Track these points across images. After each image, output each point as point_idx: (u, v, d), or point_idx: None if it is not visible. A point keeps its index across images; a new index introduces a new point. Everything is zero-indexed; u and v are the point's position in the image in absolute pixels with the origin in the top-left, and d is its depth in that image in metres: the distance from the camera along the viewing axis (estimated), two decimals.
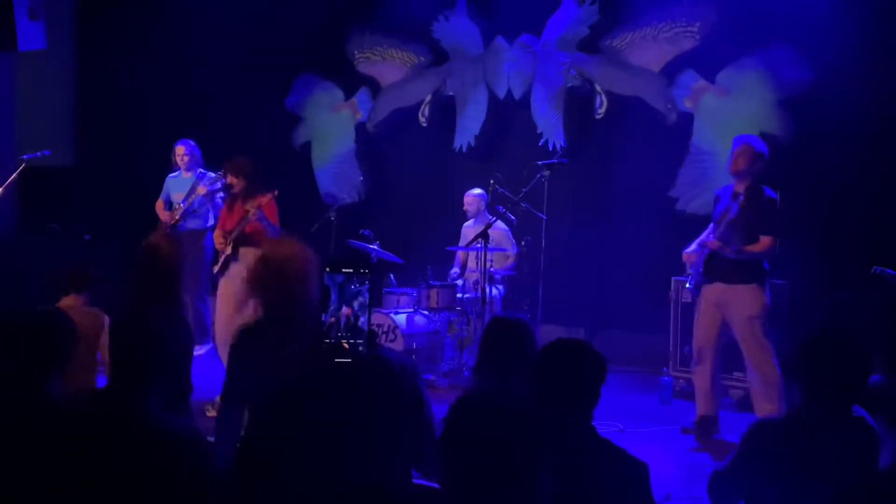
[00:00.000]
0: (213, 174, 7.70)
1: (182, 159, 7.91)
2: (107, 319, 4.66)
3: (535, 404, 2.64)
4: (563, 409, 2.63)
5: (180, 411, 3.37)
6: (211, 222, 7.81)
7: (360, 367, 2.60)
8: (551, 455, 2.47)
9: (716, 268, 5.67)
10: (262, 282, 3.08)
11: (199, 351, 7.38)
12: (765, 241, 5.58)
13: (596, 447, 2.64)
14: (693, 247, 5.87)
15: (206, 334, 7.66)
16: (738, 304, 5.60)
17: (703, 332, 5.79)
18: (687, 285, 5.99)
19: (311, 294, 2.90)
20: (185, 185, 7.86)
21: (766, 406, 5.59)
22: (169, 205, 7.97)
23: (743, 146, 5.65)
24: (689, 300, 6.86)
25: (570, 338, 2.91)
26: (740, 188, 5.67)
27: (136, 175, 9.13)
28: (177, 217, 7.74)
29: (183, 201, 7.74)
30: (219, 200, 7.70)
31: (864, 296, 6.31)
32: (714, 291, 5.71)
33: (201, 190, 7.69)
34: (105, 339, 4.61)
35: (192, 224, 7.78)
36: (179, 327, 3.68)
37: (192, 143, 7.97)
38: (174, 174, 8.01)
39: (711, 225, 5.92)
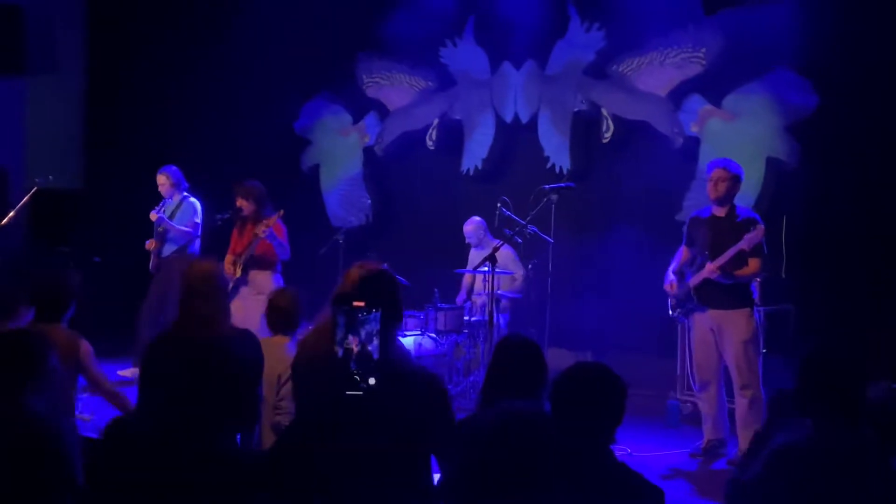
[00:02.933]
0: (186, 196, 7.66)
1: (161, 188, 7.77)
2: (83, 343, 4.36)
3: (553, 428, 2.66)
4: (583, 433, 2.64)
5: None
6: (191, 249, 7.64)
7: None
8: (569, 479, 2.48)
9: (709, 294, 5.67)
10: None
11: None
12: (753, 263, 5.59)
13: (614, 472, 2.64)
14: (671, 276, 5.88)
15: None
16: (733, 329, 5.61)
17: (705, 359, 5.80)
18: (670, 312, 5.98)
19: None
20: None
21: (746, 434, 5.59)
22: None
23: (721, 171, 5.68)
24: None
25: (590, 361, 2.91)
26: (721, 212, 5.71)
27: (145, 198, 9.19)
28: (154, 243, 7.61)
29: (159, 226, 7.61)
30: (179, 226, 7.56)
31: (871, 319, 6.34)
32: (709, 318, 5.72)
33: (152, 216, 7.58)
34: (86, 361, 4.35)
35: (168, 250, 7.63)
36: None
37: (170, 168, 7.82)
38: (169, 199, 7.85)
39: (682, 248, 5.92)
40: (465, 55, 8.88)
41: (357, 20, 9.08)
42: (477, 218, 7.76)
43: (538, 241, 7.01)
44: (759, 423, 5.59)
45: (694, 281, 5.72)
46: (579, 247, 7.93)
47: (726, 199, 5.68)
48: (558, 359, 5.83)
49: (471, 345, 7.31)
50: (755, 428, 5.55)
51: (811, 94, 6.91)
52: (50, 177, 7.88)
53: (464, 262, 7.96)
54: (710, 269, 5.60)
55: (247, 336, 3.87)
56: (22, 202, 7.92)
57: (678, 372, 6.92)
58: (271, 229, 6.70)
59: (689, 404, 6.76)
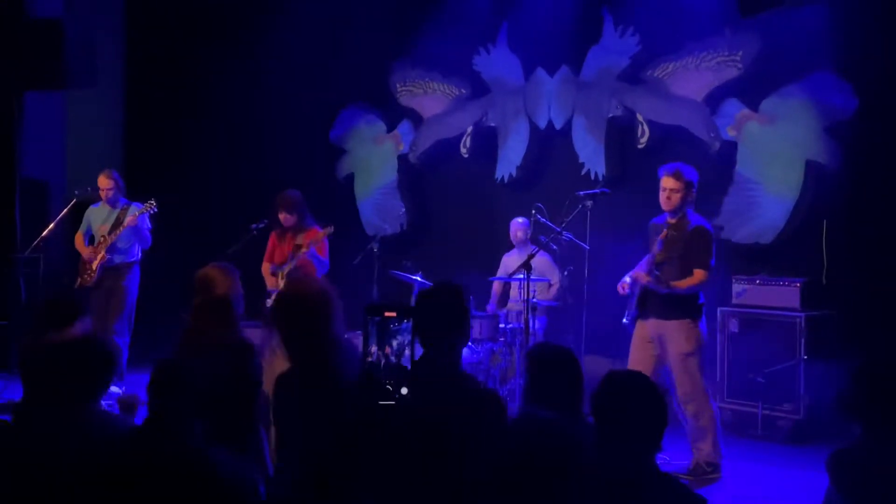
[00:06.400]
0: (140, 204, 7.45)
1: (107, 193, 7.57)
2: None
3: (595, 438, 2.64)
4: (626, 443, 2.61)
5: (242, 446, 3.34)
6: (137, 257, 7.57)
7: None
8: (613, 490, 2.46)
9: (650, 303, 5.53)
10: (281, 321, 3.09)
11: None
12: (698, 274, 5.45)
13: (657, 482, 2.61)
14: (625, 279, 5.75)
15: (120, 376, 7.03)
16: (673, 340, 5.46)
17: (637, 367, 5.43)
18: (624, 320, 5.80)
19: (335, 334, 2.90)
20: (107, 216, 7.55)
21: (699, 447, 5.48)
22: (90, 238, 7.62)
23: (673, 181, 5.53)
24: (736, 331, 6.81)
25: (624, 370, 2.88)
26: (673, 219, 5.58)
27: (183, 209, 9.29)
28: (101, 252, 7.40)
29: (109, 234, 7.42)
30: (146, 233, 7.48)
31: None
32: (648, 327, 5.57)
33: (130, 220, 7.31)
34: None
35: (118, 259, 7.46)
36: (231, 360, 3.64)
37: (116, 173, 7.71)
38: (95, 205, 7.71)
39: (647, 256, 5.80)
40: (498, 62, 8.86)
41: (390, 29, 9.11)
42: (522, 218, 7.69)
43: (574, 248, 6.96)
44: (711, 441, 5.44)
45: (637, 289, 5.58)
46: (616, 253, 7.86)
47: (680, 209, 5.55)
48: (596, 366, 5.79)
49: (507, 353, 7.28)
50: (707, 446, 5.43)
51: (851, 96, 6.79)
52: (89, 188, 7.95)
53: (497, 269, 7.92)
54: (639, 276, 5.47)
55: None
56: (62, 214, 8.02)
57: (717, 379, 6.83)
58: (314, 249, 6.71)
59: (727, 412, 6.68)
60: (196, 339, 3.75)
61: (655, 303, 5.52)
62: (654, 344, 5.58)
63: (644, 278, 5.44)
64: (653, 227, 5.79)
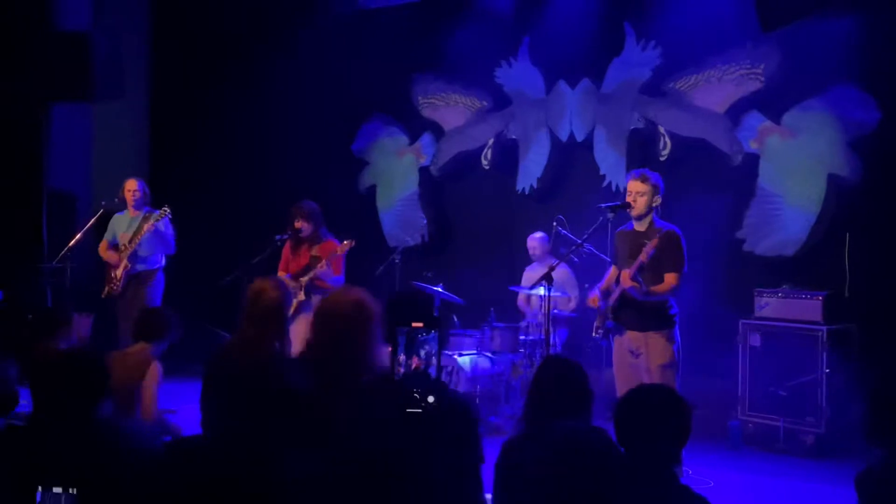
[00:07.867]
0: (157, 211, 7.52)
1: (134, 195, 7.66)
2: (157, 366, 4.79)
3: (616, 450, 2.66)
4: (647, 455, 2.63)
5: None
6: (160, 264, 7.66)
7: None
8: (633, 501, 2.48)
9: (627, 316, 5.45)
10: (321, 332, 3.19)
11: None
12: (669, 279, 5.37)
13: (677, 495, 2.63)
14: (595, 291, 5.68)
15: None
16: (652, 352, 5.36)
17: (626, 384, 5.30)
18: (593, 334, 5.72)
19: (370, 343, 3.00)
20: (130, 224, 7.63)
21: None
22: (115, 247, 7.66)
23: (640, 184, 5.48)
24: (758, 344, 6.79)
25: (654, 384, 2.91)
26: (642, 227, 5.52)
27: (207, 219, 9.39)
28: (125, 259, 7.46)
29: (130, 242, 7.49)
30: (170, 239, 7.56)
31: None
32: (628, 340, 5.48)
33: (148, 227, 7.38)
34: (149, 383, 4.73)
35: (140, 267, 7.54)
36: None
37: (141, 180, 7.83)
38: (120, 213, 7.81)
39: (610, 268, 5.74)
40: (520, 75, 8.91)
41: (412, 42, 9.18)
42: (540, 233, 7.74)
43: (596, 260, 6.98)
44: None
45: (612, 298, 5.52)
46: None
47: (647, 213, 5.51)
48: (614, 379, 5.80)
49: (527, 364, 7.29)
50: None
51: (873, 109, 6.79)
52: (116, 199, 8.05)
53: (519, 281, 7.95)
54: (623, 278, 5.36)
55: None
56: (89, 224, 8.11)
57: (739, 392, 6.82)
58: (329, 268, 6.75)
59: (750, 425, 6.67)
60: (249, 348, 3.85)
61: (631, 315, 5.45)
62: (635, 356, 5.50)
63: (628, 282, 5.33)
64: (621, 235, 5.71)
